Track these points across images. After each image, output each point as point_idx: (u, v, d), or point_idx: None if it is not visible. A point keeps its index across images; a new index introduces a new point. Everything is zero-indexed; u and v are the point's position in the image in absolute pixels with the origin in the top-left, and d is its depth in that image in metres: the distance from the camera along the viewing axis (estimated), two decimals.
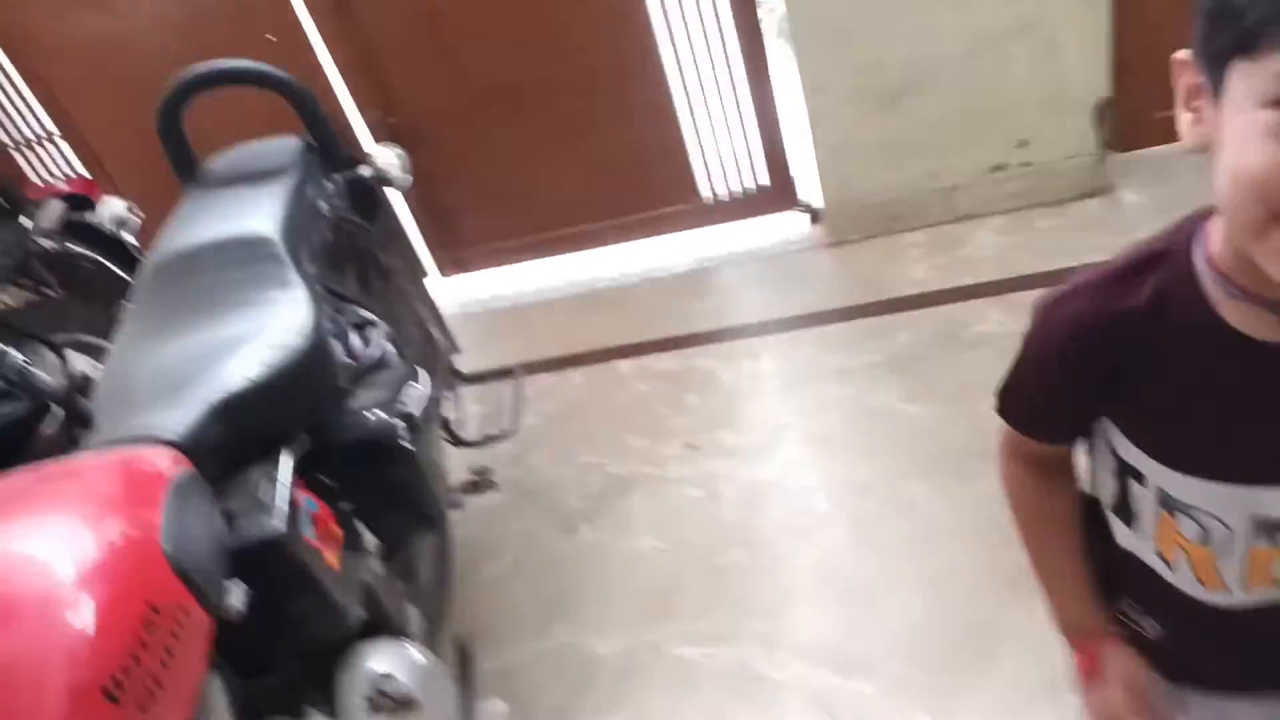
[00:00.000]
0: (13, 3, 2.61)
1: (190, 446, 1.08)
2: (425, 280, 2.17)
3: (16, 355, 1.83)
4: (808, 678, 1.69)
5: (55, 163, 2.89)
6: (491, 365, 2.62)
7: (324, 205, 1.61)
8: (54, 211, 2.16)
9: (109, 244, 2.22)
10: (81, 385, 2.06)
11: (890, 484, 1.95)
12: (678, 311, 2.66)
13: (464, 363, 2.20)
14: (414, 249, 2.33)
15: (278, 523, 1.10)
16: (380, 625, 1.30)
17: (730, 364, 2.42)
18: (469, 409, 2.13)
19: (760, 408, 2.29)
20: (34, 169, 2.90)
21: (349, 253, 1.73)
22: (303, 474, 1.24)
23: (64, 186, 2.25)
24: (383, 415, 1.35)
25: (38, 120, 2.81)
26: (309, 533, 1.17)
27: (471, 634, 1.75)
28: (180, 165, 1.73)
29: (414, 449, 1.37)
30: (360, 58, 2.67)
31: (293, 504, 1.15)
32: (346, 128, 2.73)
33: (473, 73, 2.67)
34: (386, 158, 1.92)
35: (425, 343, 1.97)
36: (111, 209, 2.19)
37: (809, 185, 2.79)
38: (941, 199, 2.59)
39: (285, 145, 1.69)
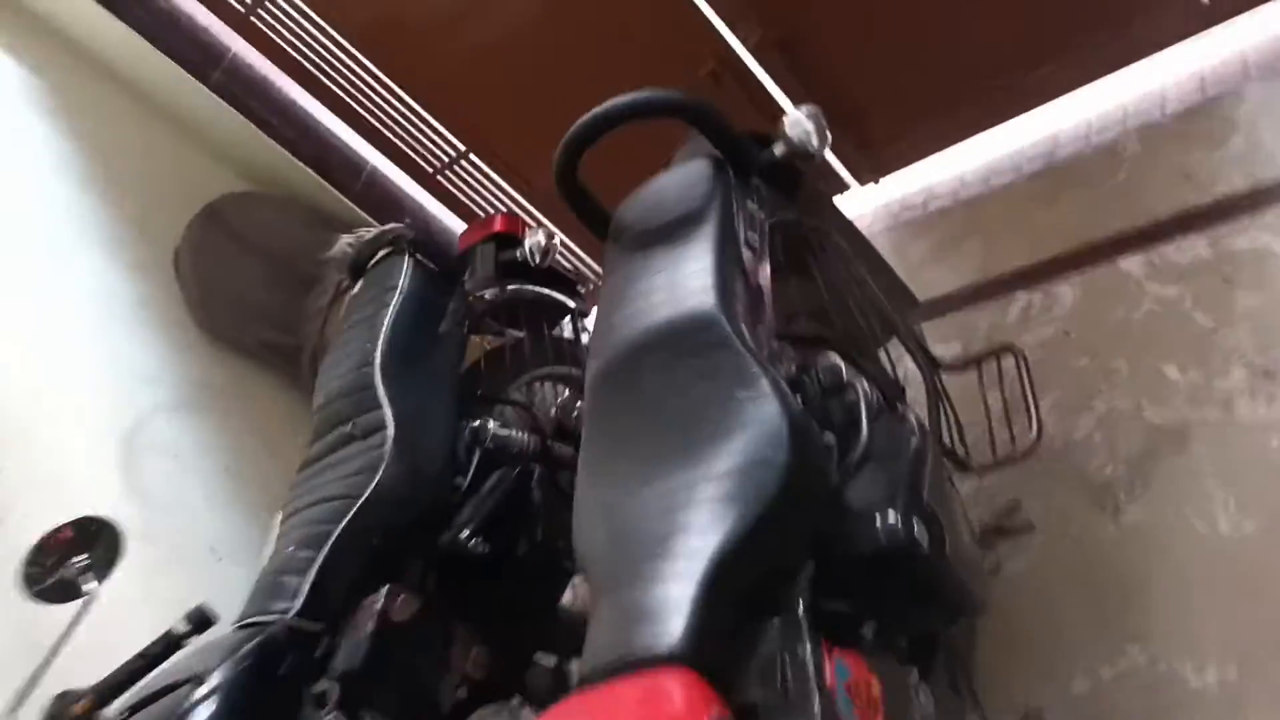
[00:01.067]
0: (393, 45, 2.68)
1: (698, 652, 0.90)
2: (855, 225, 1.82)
3: (491, 424, 1.89)
4: None
5: (476, 179, 2.98)
6: (952, 289, 2.24)
7: (754, 235, 1.35)
8: (486, 259, 2.18)
9: (542, 275, 2.19)
10: (559, 426, 2.09)
11: None
12: (1193, 169, 1.99)
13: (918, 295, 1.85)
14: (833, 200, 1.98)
15: None
16: None
17: None
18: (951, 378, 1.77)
19: None
20: (460, 189, 3.02)
21: (788, 264, 1.46)
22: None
23: (489, 227, 2.25)
24: (892, 519, 1.08)
25: (449, 144, 2.90)
26: (851, 717, 0.95)
27: (1027, 686, 1.46)
28: (590, 221, 1.58)
29: (938, 551, 1.08)
30: None
31: (825, 688, 0.93)
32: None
33: None
34: (799, 126, 1.59)
35: (883, 327, 1.65)
36: (535, 241, 2.15)
37: None
38: None
39: (695, 174, 1.44)
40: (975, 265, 2.25)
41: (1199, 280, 1.82)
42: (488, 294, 2.14)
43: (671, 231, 1.37)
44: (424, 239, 2.14)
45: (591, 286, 3.08)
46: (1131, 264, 1.95)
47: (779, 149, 1.61)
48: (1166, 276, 1.88)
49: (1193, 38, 2.15)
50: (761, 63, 2.45)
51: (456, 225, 3.13)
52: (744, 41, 2.41)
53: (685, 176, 1.46)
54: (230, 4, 2.67)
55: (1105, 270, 1.98)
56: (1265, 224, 1.80)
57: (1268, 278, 1.74)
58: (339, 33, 2.70)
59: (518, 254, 2.19)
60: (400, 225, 2.21)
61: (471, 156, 2.92)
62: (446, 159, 2.95)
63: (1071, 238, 2.09)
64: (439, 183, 3.02)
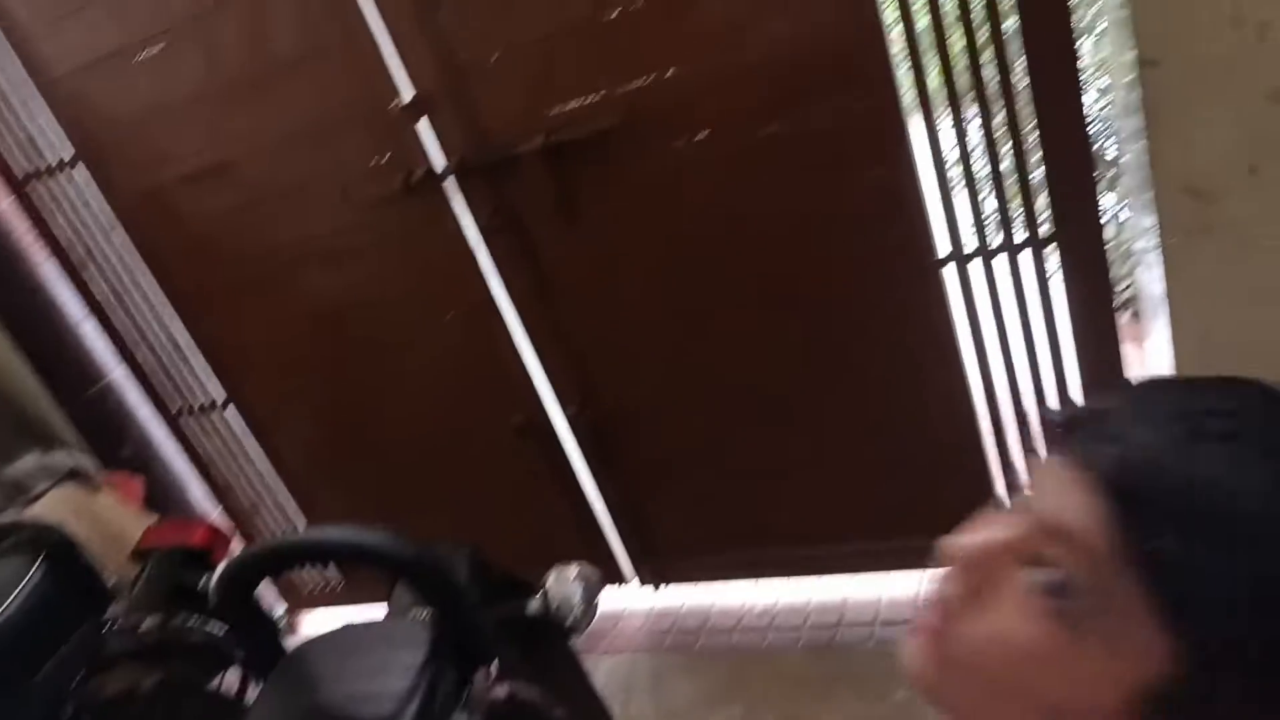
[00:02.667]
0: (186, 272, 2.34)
1: None
2: None
3: None
4: None
5: (225, 434, 2.56)
6: None
7: None
8: (158, 576, 1.71)
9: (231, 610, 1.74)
10: None
11: None
12: None
13: None
14: (597, 698, 1.65)
15: None
16: None
17: None
18: None
19: None
20: (201, 434, 2.58)
21: None
22: None
23: (183, 534, 1.80)
24: None
25: (206, 391, 2.50)
26: None
27: None
28: (255, 648, 1.21)
29: None
30: (558, 342, 2.13)
31: None
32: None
33: (705, 357, 2.04)
34: (564, 588, 1.32)
35: None
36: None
37: None
38: None
39: (407, 652, 1.11)
40: None
41: None
42: (144, 624, 1.66)
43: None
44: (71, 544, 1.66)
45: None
46: None
47: (534, 605, 1.32)
48: None
49: None
50: (575, 432, 2.24)
51: (188, 476, 2.65)
52: (563, 409, 2.20)
53: (397, 641, 1.12)
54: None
55: None
56: None
57: None
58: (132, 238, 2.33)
59: (201, 583, 1.74)
60: (47, 527, 1.71)
61: (229, 410, 2.51)
62: (199, 405, 2.52)
63: None
64: (180, 427, 2.56)
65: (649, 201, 1.90)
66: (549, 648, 1.36)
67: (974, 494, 2.00)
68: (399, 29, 1.85)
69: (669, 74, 1.75)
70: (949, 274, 1.79)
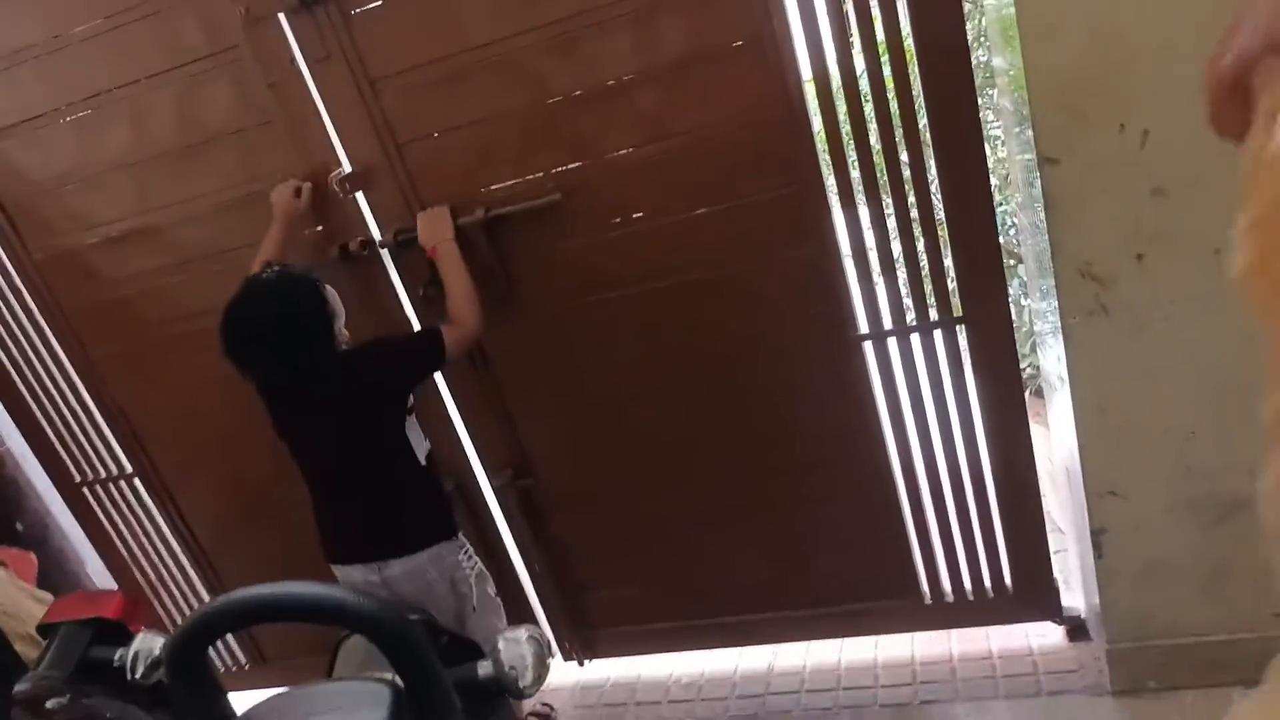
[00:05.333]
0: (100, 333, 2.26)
1: None
2: None
3: None
4: None
5: (131, 507, 2.44)
6: None
7: None
8: (68, 650, 1.62)
9: (144, 690, 1.65)
10: None
11: None
12: None
13: None
14: None
15: None
16: None
17: None
18: None
19: None
20: (104, 506, 2.46)
21: None
22: None
23: (95, 606, 1.71)
24: None
25: (114, 460, 2.39)
26: None
27: None
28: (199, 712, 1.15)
29: None
30: (490, 412, 2.13)
31: None
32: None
33: (636, 429, 2.08)
34: (515, 650, 1.31)
35: None
36: (149, 645, 1.64)
37: (1076, 598, 2.01)
38: None
39: (369, 712, 1.09)
40: None
41: None
42: (50, 702, 1.56)
43: None
44: None
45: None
46: None
47: (486, 669, 1.30)
48: None
49: (911, 631, 2.16)
50: (502, 503, 2.23)
51: (85, 551, 2.52)
52: (490, 479, 2.20)
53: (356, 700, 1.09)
54: None
55: None
56: None
57: None
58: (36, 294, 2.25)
59: (117, 656, 1.65)
60: None
61: (135, 482, 2.40)
62: (103, 474, 2.41)
63: None
64: (83, 495, 2.44)
65: (585, 275, 1.96)
66: (493, 712, 1.34)
67: (891, 563, 2.09)
68: (340, 107, 1.88)
69: (606, 157, 1.84)
70: (869, 351, 1.91)
